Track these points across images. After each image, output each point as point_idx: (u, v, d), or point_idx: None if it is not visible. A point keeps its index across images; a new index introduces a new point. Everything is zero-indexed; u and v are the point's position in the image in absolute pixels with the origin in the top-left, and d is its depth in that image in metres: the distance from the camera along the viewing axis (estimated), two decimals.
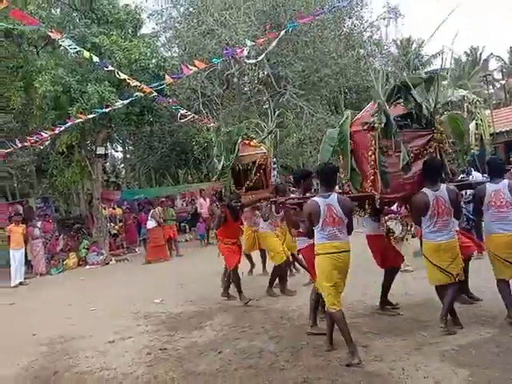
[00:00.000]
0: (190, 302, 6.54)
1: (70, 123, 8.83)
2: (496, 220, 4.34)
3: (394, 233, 5.27)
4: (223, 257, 6.36)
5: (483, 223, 4.76)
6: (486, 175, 7.84)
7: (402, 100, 4.41)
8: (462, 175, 8.24)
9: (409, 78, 4.45)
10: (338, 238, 4.00)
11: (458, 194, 4.32)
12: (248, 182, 6.46)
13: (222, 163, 6.24)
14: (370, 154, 4.24)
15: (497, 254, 4.37)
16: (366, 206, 4.54)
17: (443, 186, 4.19)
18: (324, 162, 4.47)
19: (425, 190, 4.17)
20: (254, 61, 6.62)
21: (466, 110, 16.06)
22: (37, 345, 5.27)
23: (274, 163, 6.68)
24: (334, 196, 4.05)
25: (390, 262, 5.06)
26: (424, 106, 4.36)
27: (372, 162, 4.22)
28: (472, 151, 14.42)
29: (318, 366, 3.80)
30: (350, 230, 4.14)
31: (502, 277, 4.39)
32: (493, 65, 35.02)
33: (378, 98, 4.26)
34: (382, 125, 4.15)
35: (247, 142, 6.51)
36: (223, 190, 6.45)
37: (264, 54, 7.53)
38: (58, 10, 13.40)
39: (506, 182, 4.36)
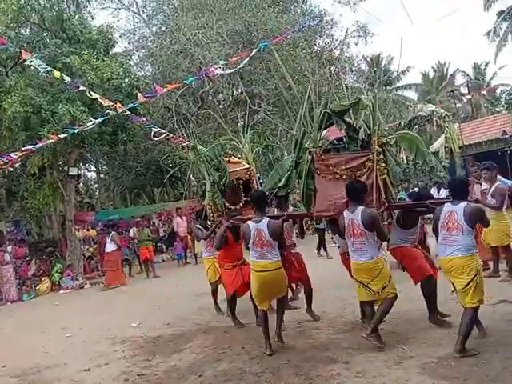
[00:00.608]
0: (168, 325, 6.39)
1: (40, 144, 8.66)
2: (442, 242, 4.14)
3: None
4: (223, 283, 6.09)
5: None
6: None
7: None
8: (432, 190, 8.50)
9: (334, 106, 4.78)
10: (267, 258, 4.48)
11: (373, 217, 4.22)
12: (243, 199, 6.13)
13: (209, 182, 5.95)
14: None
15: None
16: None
17: (359, 209, 4.26)
18: (270, 188, 4.78)
19: (345, 211, 4.40)
20: (228, 71, 6.71)
21: (435, 124, 16.62)
22: (7, 377, 5.02)
23: (259, 178, 6.63)
24: (265, 221, 4.50)
25: None
26: (362, 129, 4.60)
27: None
28: (442, 164, 14.91)
29: None
30: (283, 248, 4.78)
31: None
32: (459, 80, 36.38)
33: (301, 127, 4.79)
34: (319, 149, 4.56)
35: (226, 158, 6.33)
36: (209, 209, 6.07)
37: (235, 69, 7.65)
38: (28, 30, 13.24)
39: (463, 204, 4.01)
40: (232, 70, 7.81)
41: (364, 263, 4.30)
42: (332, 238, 5.53)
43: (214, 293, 6.74)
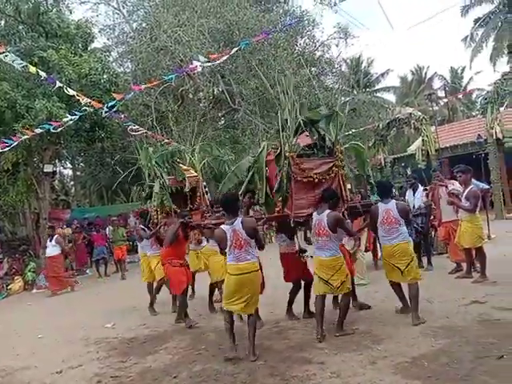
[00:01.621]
0: (144, 325, 6.31)
1: (15, 141, 8.41)
2: (385, 234, 5.14)
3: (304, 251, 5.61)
4: (167, 280, 6.47)
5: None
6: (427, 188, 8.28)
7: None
8: (408, 192, 8.63)
9: (311, 113, 5.22)
10: (245, 260, 4.46)
11: (337, 219, 4.73)
12: (191, 204, 6.65)
13: (159, 185, 6.26)
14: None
15: (387, 259, 5.22)
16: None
17: (325, 212, 4.76)
18: (226, 191, 5.04)
19: (314, 213, 4.89)
20: (207, 64, 6.77)
21: (413, 126, 16.82)
22: None
23: (205, 186, 6.90)
24: (238, 221, 4.49)
25: (294, 276, 5.60)
26: (327, 138, 5.10)
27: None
28: (419, 166, 15.15)
29: None
30: (260, 246, 4.66)
31: (391, 279, 5.30)
32: (437, 83, 37.11)
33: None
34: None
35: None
36: (155, 211, 6.44)
37: (215, 63, 7.68)
38: (3, 22, 12.89)
39: (394, 202, 5.15)
40: (211, 64, 7.82)
41: (327, 259, 4.78)
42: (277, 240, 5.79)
43: (157, 291, 7.15)
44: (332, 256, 4.78)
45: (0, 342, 6.41)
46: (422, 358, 3.99)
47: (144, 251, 7.37)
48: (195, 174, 6.62)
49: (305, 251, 5.61)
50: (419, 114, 15.98)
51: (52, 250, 10.42)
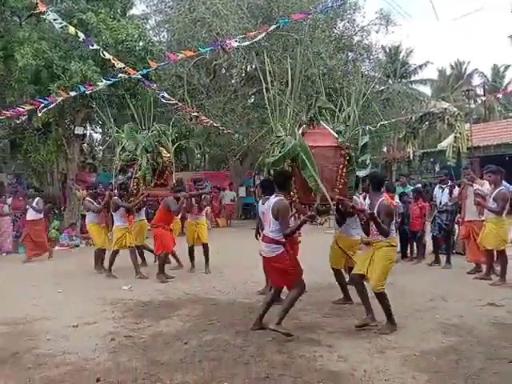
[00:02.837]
0: (159, 291, 6.48)
1: (50, 101, 8.57)
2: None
3: None
4: (157, 241, 7.37)
5: None
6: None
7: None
8: (436, 187, 8.49)
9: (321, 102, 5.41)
10: None
11: None
12: (159, 180, 7.59)
13: (145, 160, 7.28)
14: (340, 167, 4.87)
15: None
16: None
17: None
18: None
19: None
20: (244, 43, 6.78)
21: (446, 122, 16.41)
22: None
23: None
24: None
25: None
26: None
27: (343, 175, 4.85)
28: (448, 163, 14.80)
29: (282, 363, 3.82)
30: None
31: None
32: (476, 80, 35.87)
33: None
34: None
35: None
36: (136, 183, 7.38)
37: (252, 41, 7.59)
38: None
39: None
40: (248, 43, 7.76)
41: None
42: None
43: (113, 257, 7.71)
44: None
45: (21, 292, 6.70)
46: (431, 352, 3.99)
47: (92, 221, 8.27)
48: (168, 154, 7.69)
49: None
50: (454, 109, 15.58)
51: (32, 213, 9.78)
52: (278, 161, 4.75)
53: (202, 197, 7.89)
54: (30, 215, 9.79)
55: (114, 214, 7.71)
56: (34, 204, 9.72)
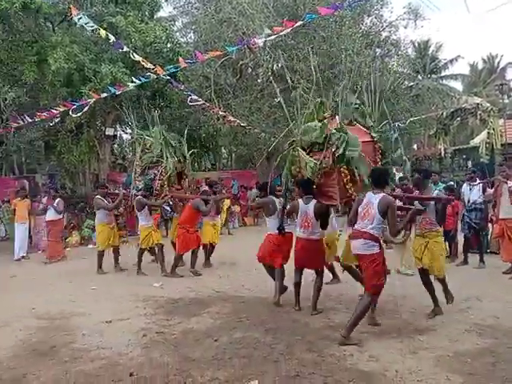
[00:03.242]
0: (189, 289, 6.56)
1: (82, 103, 8.80)
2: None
3: None
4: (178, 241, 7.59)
5: None
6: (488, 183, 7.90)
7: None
8: (464, 185, 8.29)
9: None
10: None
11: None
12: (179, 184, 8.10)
13: (172, 163, 7.76)
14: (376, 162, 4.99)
15: None
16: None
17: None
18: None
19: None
20: (270, 38, 6.81)
21: (479, 117, 15.95)
22: (36, 319, 5.31)
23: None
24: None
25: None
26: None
27: None
28: (481, 159, 14.37)
29: (312, 362, 3.81)
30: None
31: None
32: (510, 74, 34.63)
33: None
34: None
35: None
36: (161, 184, 7.73)
37: (278, 35, 7.55)
38: None
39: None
40: (273, 37, 7.77)
41: None
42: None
43: (141, 255, 7.94)
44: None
45: (58, 288, 6.93)
46: (465, 354, 3.90)
47: (102, 221, 8.16)
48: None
49: None
50: (487, 105, 15.12)
51: (51, 213, 9.73)
52: (343, 157, 4.74)
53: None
54: (50, 215, 9.75)
55: (138, 213, 7.83)
56: (55, 204, 9.73)
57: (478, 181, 7.97)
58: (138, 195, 7.80)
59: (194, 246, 7.61)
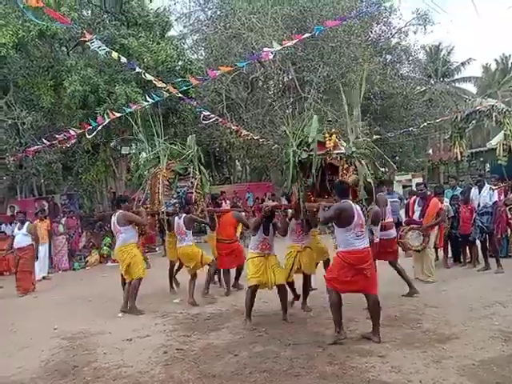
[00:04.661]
0: (208, 304, 6.57)
1: (99, 123, 8.95)
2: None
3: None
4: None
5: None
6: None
7: None
8: (473, 189, 8.17)
9: None
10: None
11: None
12: None
13: (206, 177, 7.50)
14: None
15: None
16: None
17: None
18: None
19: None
20: (278, 48, 6.82)
21: (494, 119, 15.72)
22: (57, 338, 5.37)
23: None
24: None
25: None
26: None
27: None
28: (499, 162, 14.16)
29: (334, 375, 3.76)
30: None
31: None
32: None
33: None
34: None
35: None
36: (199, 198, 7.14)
37: (286, 46, 7.62)
38: (90, 12, 13.74)
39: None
40: (283, 47, 7.85)
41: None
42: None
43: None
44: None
45: (78, 308, 7.00)
46: (491, 362, 3.80)
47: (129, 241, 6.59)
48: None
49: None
50: (502, 106, 14.82)
51: (23, 238, 8.46)
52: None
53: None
54: (21, 241, 8.56)
55: (187, 231, 6.83)
56: (24, 229, 8.57)
57: (487, 184, 7.90)
58: (171, 212, 6.99)
59: (241, 261, 7.14)
